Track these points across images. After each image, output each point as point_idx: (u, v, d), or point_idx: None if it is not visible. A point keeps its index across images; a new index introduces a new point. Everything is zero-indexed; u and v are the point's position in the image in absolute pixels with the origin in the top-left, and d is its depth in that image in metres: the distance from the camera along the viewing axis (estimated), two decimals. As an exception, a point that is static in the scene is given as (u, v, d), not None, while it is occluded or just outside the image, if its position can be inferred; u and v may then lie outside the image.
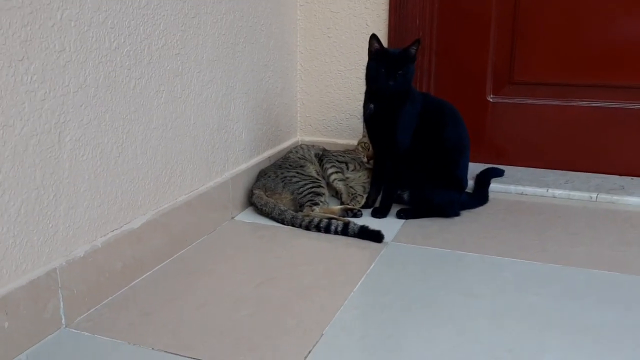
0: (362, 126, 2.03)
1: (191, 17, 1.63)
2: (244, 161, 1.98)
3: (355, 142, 2.17)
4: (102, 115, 1.35)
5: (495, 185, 2.06)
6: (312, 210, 1.83)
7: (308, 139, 2.38)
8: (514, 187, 2.07)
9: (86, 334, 1.26)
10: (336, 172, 2.03)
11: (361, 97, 1.89)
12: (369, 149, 2.03)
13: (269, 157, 2.11)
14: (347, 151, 2.15)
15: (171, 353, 1.19)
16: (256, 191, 1.92)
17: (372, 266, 1.55)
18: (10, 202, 1.15)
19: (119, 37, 1.37)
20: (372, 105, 1.83)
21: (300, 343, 1.22)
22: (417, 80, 2.14)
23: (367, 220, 1.83)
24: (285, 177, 1.93)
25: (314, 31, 2.28)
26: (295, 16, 2.27)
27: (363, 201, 1.96)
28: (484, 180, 2.04)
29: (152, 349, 1.20)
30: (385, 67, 1.74)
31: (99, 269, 1.36)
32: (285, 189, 1.90)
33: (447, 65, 2.23)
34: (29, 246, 1.20)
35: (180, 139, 1.64)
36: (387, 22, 2.17)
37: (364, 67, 1.82)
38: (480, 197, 1.99)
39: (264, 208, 1.87)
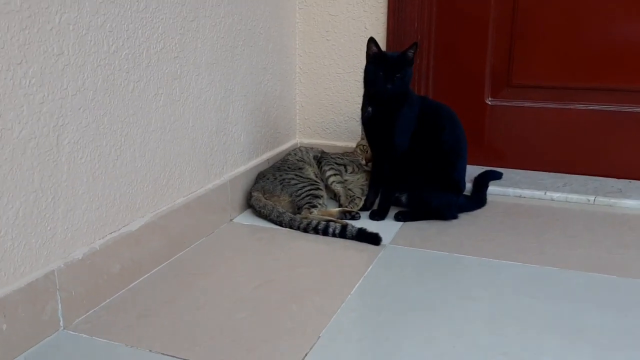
0: (360, 129, 2.03)
1: (190, 20, 1.63)
2: (243, 163, 1.99)
3: (353, 145, 2.17)
4: (100, 118, 1.36)
5: (493, 188, 2.07)
6: (311, 213, 1.83)
7: (307, 141, 2.38)
8: (512, 189, 2.07)
9: (84, 336, 1.26)
10: (335, 175, 2.03)
11: (360, 100, 1.90)
12: (367, 152, 2.04)
13: (267, 160, 2.12)
14: (346, 153, 2.15)
15: (169, 355, 1.19)
16: (255, 193, 1.93)
17: (369, 269, 1.55)
18: (9, 204, 1.16)
19: (117, 40, 1.38)
20: (370, 108, 1.83)
21: (297, 345, 1.22)
22: (415, 83, 2.15)
23: (365, 222, 1.84)
24: (283, 179, 1.93)
25: (313, 34, 2.29)
26: (294, 19, 2.28)
27: (361, 203, 1.97)
28: (482, 182, 2.05)
29: (150, 351, 1.21)
30: (383, 70, 1.74)
31: (97, 272, 1.37)
32: (284, 191, 1.90)
33: (446, 68, 2.24)
34: (27, 249, 1.21)
35: (178, 141, 1.64)
36: (385, 25, 2.18)
37: (363, 70, 1.83)
38: (478, 199, 1.99)
39: (262, 210, 1.87)
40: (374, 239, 1.69)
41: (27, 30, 1.15)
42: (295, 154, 2.10)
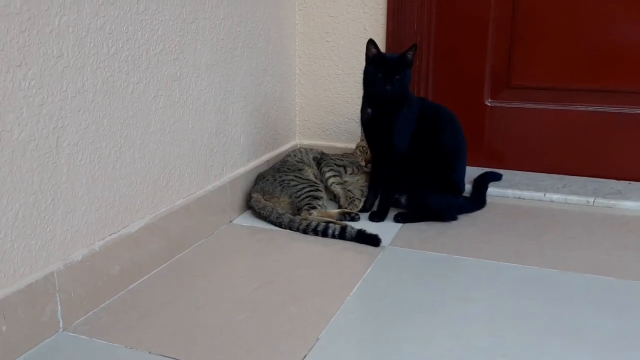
0: (360, 130, 2.03)
1: (189, 22, 1.63)
2: (242, 165, 1.99)
3: (353, 146, 2.17)
4: (100, 120, 1.36)
5: (492, 190, 2.07)
6: (310, 214, 1.83)
7: (307, 142, 2.39)
8: (512, 191, 2.07)
9: (84, 337, 1.27)
10: (334, 176, 2.03)
11: (359, 101, 1.90)
12: (367, 153, 2.04)
13: (267, 161, 2.12)
14: (346, 155, 2.15)
15: (168, 357, 1.19)
16: (254, 195, 1.93)
17: (369, 270, 1.55)
18: (8, 206, 1.16)
19: (117, 42, 1.38)
20: (369, 110, 1.83)
21: (296, 347, 1.22)
22: (415, 85, 2.15)
23: (364, 224, 1.84)
24: (283, 180, 1.93)
25: (313, 35, 2.29)
26: (294, 21, 2.28)
27: (361, 205, 1.97)
28: (481, 184, 2.05)
29: (150, 352, 1.21)
30: (383, 72, 1.74)
31: (96, 273, 1.37)
32: (283, 193, 1.90)
33: (445, 70, 2.24)
34: (26, 250, 1.21)
35: (178, 143, 1.64)
36: (385, 27, 2.18)
37: (362, 71, 1.83)
38: (477, 201, 1.99)
39: (262, 211, 1.87)
40: (373, 241, 1.70)
41: (26, 33, 1.15)
42: (294, 155, 2.10)
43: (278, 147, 2.24)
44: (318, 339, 1.25)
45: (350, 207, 1.95)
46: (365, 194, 2.01)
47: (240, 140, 1.96)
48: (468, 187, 2.01)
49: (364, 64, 1.81)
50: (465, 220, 1.88)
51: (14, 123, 1.15)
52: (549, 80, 2.16)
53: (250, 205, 1.94)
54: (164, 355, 1.20)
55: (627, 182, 2.11)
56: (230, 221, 1.90)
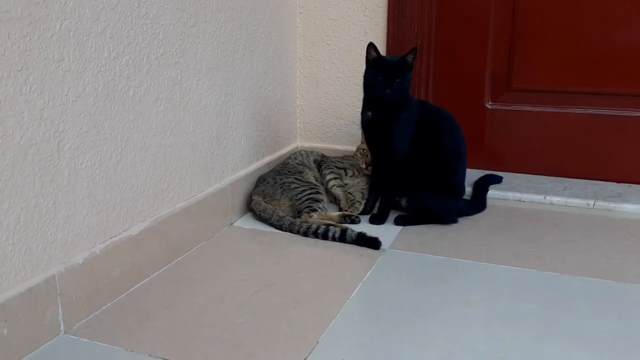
0: (360, 132, 2.04)
1: (190, 25, 1.64)
2: (243, 167, 2.00)
3: (354, 148, 2.18)
4: (101, 123, 1.36)
5: (493, 192, 2.07)
6: (311, 217, 1.84)
7: (307, 145, 2.39)
8: (512, 194, 2.07)
9: (85, 340, 1.27)
10: (335, 179, 2.04)
11: (360, 104, 1.90)
12: (367, 156, 2.04)
13: (268, 163, 2.12)
14: (346, 157, 2.16)
15: (168, 360, 1.20)
16: (255, 197, 1.93)
17: (369, 273, 1.56)
18: (10, 210, 1.17)
19: (118, 46, 1.39)
20: (369, 113, 1.84)
21: (296, 350, 1.22)
22: (415, 88, 2.15)
23: (365, 226, 1.84)
24: (284, 183, 1.94)
25: (313, 38, 2.30)
26: (295, 24, 2.29)
27: (361, 207, 1.98)
28: (482, 187, 2.05)
29: (150, 355, 1.22)
30: (383, 75, 1.75)
31: (97, 276, 1.38)
32: (284, 195, 1.91)
33: (446, 73, 2.24)
34: (28, 253, 1.21)
35: (179, 146, 1.65)
36: (385, 30, 2.18)
37: (363, 74, 1.83)
38: (478, 204, 2.00)
39: (262, 214, 1.88)
40: (373, 243, 1.70)
41: (27, 37, 1.16)
42: (295, 158, 2.10)
43: (279, 150, 2.24)
44: (318, 342, 1.25)
45: (350, 209, 1.96)
46: (366, 196, 2.02)
47: (241, 143, 1.96)
48: (468, 189, 2.01)
49: (364, 66, 1.82)
50: (465, 223, 1.89)
51: (15, 127, 1.16)
52: (550, 82, 2.16)
53: (250, 208, 1.94)
54: (165, 358, 1.20)
55: (627, 184, 2.11)
56: (231, 224, 1.90)
